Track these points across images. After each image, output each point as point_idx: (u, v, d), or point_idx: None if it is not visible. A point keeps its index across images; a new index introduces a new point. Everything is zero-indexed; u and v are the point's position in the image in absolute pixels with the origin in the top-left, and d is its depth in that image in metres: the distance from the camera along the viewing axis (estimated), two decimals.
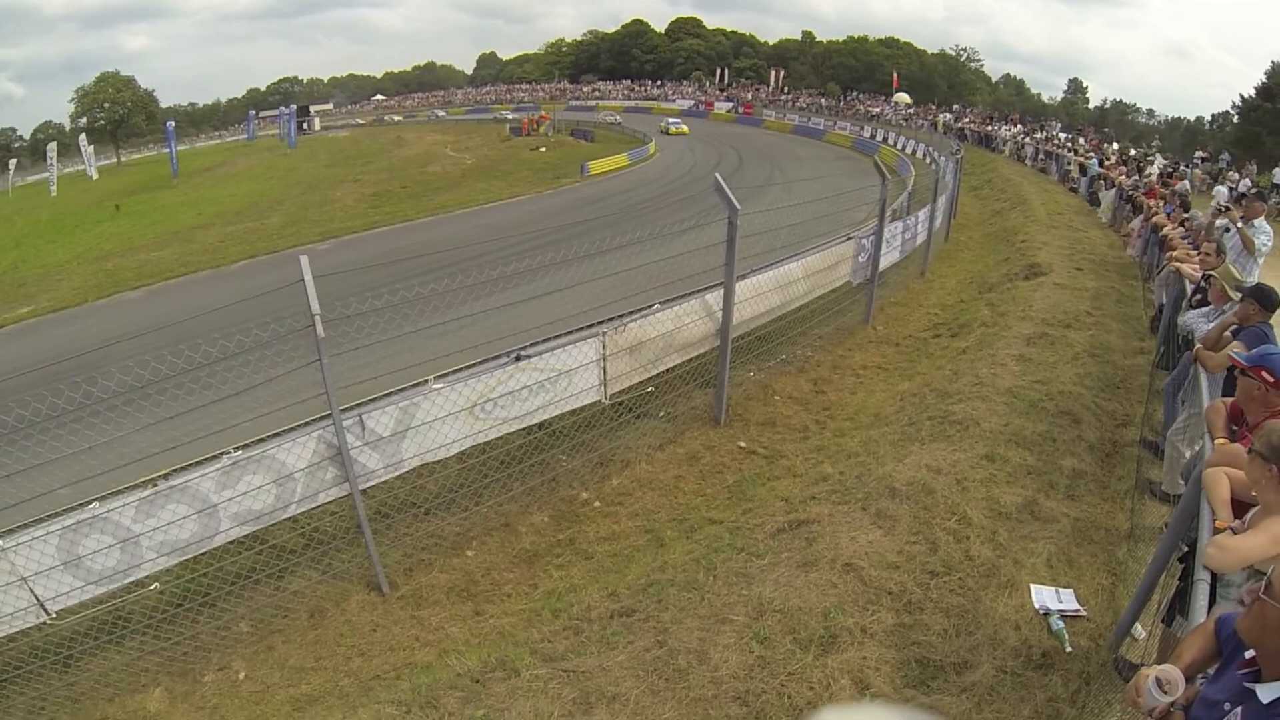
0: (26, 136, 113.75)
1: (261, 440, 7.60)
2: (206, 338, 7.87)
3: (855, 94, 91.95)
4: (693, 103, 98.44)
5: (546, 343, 9.17)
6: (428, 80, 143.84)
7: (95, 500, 7.14)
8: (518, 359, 8.63)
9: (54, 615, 7.32)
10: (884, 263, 14.96)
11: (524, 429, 9.07)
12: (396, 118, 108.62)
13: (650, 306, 10.02)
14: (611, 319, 9.68)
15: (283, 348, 7.32)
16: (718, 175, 9.83)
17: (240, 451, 7.26)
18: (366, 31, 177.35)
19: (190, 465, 7.62)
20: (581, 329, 9.56)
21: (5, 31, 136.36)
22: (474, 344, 9.85)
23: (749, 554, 6.99)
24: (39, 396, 7.02)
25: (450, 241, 24.88)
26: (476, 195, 37.68)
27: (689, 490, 9.26)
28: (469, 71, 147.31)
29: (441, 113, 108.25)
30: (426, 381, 8.27)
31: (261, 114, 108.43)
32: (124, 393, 8.03)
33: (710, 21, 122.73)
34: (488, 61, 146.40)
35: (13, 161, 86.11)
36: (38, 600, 7.21)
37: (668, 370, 10.46)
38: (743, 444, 10.20)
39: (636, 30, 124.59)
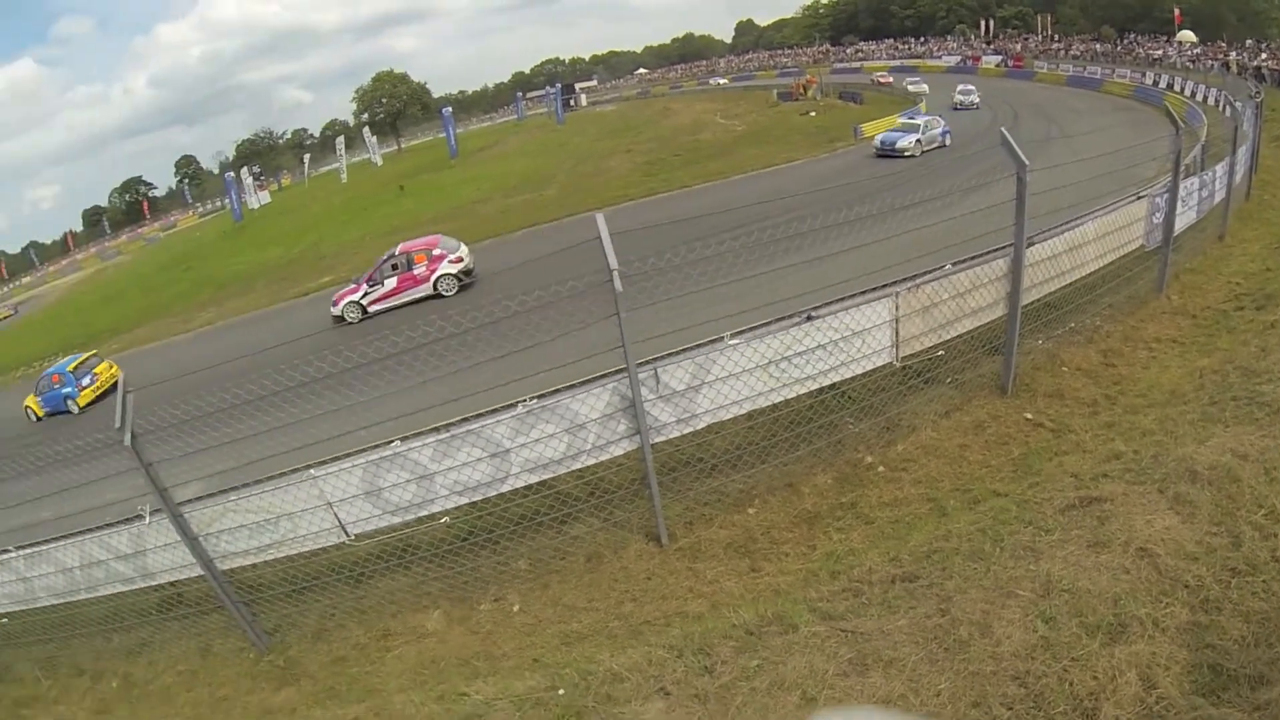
0: (317, 134, 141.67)
1: (556, 390, 8.66)
2: (506, 296, 9.35)
3: (1132, 36, 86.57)
4: (959, 58, 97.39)
5: (839, 302, 9.68)
6: (688, 51, 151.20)
7: (397, 439, 8.77)
8: (809, 318, 9.14)
9: (353, 538, 8.95)
10: (1179, 224, 14.42)
11: (813, 390, 9.60)
12: (663, 89, 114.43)
13: (943, 267, 10.36)
14: (904, 279, 10.09)
15: (580, 304, 8.50)
16: (1003, 130, 9.93)
17: (535, 400, 8.31)
18: (622, 10, 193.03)
19: (487, 412, 9.15)
20: (874, 289, 10.04)
21: (291, 49, 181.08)
22: (764, 303, 10.43)
23: (1037, 528, 7.18)
24: (350, 349, 8.80)
25: (729, 206, 26.36)
26: (751, 160, 39.06)
27: (973, 460, 9.63)
28: (728, 40, 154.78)
29: (723, 80, 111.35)
30: (723, 338, 8.92)
31: (528, 95, 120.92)
32: (428, 344, 9.64)
33: None
34: (745, 29, 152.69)
35: (306, 156, 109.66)
36: (340, 523, 8.87)
37: (956, 335, 10.76)
38: (1029, 415, 10.45)
39: None
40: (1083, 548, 6.72)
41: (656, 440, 8.58)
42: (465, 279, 28.54)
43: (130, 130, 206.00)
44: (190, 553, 8.89)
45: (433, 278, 27.89)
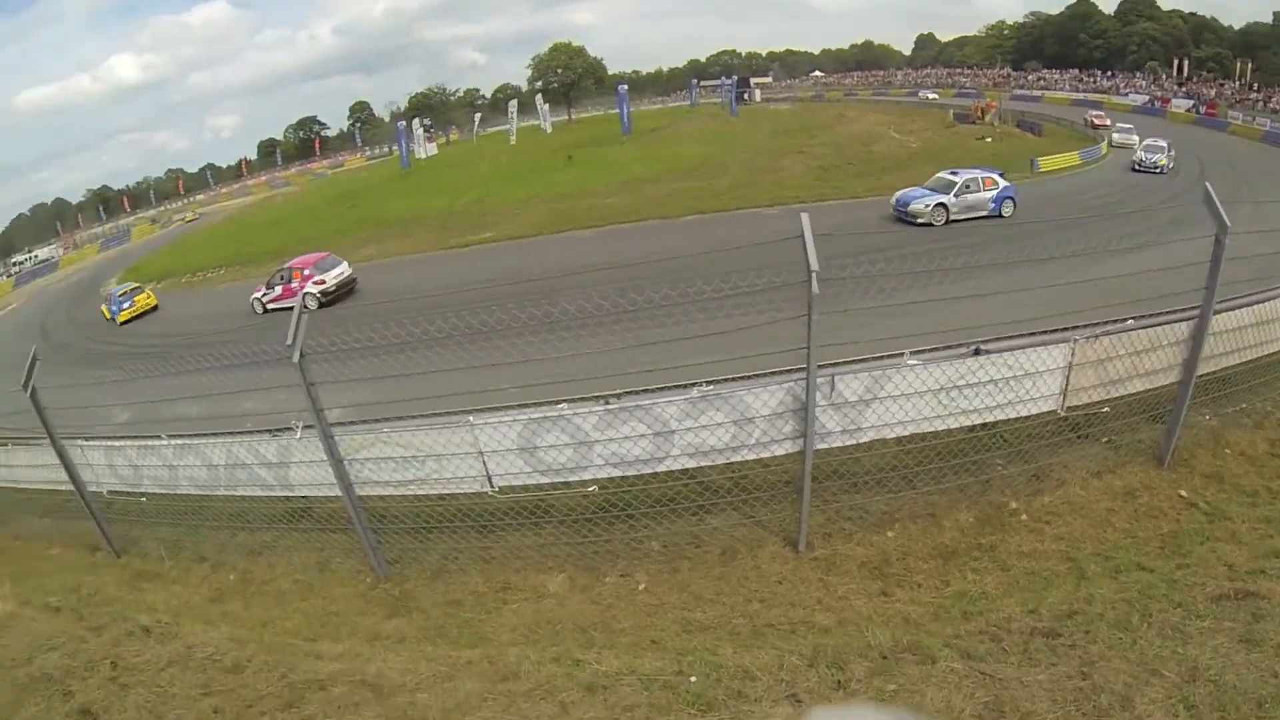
0: (488, 96, 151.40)
1: (732, 380, 8.66)
2: (683, 278, 9.50)
3: None
4: (1146, 98, 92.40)
5: (1010, 339, 9.60)
6: (865, 59, 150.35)
7: (565, 402, 8.98)
8: (977, 352, 9.05)
9: (496, 490, 9.27)
10: None
11: (969, 424, 9.52)
12: (837, 94, 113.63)
13: (1124, 321, 10.14)
14: (1082, 326, 9.90)
15: (770, 298, 8.62)
16: (1207, 186, 9.83)
17: (710, 386, 8.36)
18: (803, 8, 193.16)
19: (659, 389, 9.23)
20: (1048, 331, 9.88)
21: (470, 12, 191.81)
22: (925, 330, 10.56)
23: (1187, 611, 6.99)
24: (501, 308, 9.02)
25: (900, 225, 26.15)
26: (924, 179, 38.53)
27: (1119, 527, 9.37)
28: (906, 52, 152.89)
29: (933, 95, 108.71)
30: (903, 355, 8.92)
31: (702, 83, 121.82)
32: (601, 315, 9.83)
33: (1166, 2, 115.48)
34: (925, 42, 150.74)
35: (478, 115, 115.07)
36: (487, 473, 9.20)
37: (1124, 395, 10.45)
38: (1184, 493, 10.04)
39: (1083, 11, 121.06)
40: (1234, 641, 6.53)
41: (819, 447, 8.55)
42: (325, 298, 33.84)
43: (310, 73, 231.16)
44: (332, 473, 9.18)
45: (300, 294, 31.74)
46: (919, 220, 34.15)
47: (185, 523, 12.30)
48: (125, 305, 41.87)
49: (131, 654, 8.16)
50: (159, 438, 11.46)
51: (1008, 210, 34.50)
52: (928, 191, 35.12)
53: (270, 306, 34.84)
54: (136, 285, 45.40)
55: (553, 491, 9.39)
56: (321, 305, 33.03)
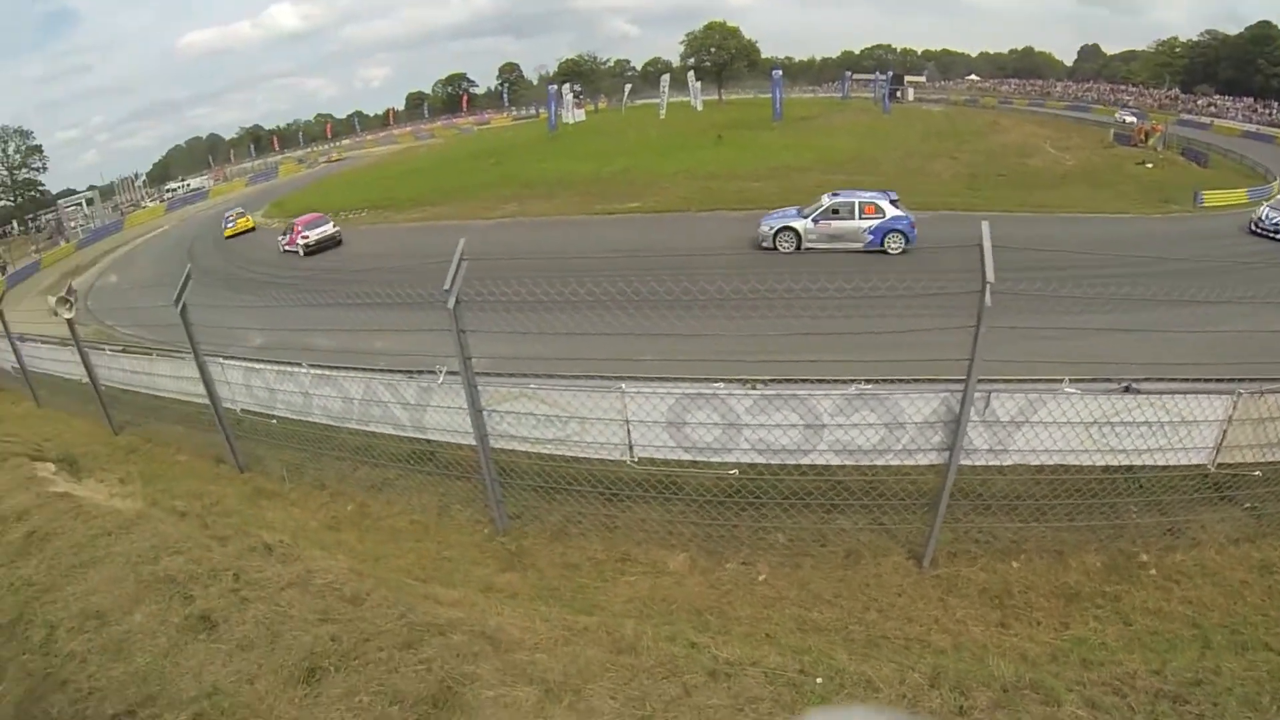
0: (638, 68, 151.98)
1: (890, 382, 8.63)
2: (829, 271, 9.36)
3: None
4: None
5: (1165, 381, 9.27)
6: (1023, 67, 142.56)
7: (721, 381, 8.95)
8: (1127, 389, 8.78)
9: (635, 460, 9.33)
10: None
11: (1110, 464, 9.26)
12: (992, 101, 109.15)
13: None
14: (1248, 379, 9.54)
15: (927, 304, 8.47)
16: None
17: (868, 385, 8.30)
18: (964, 6, 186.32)
19: (817, 382, 9.22)
20: (1209, 380, 9.61)
21: None
22: (1069, 358, 10.35)
23: None
24: (640, 279, 8.97)
25: (1049, 243, 25.47)
26: (1078, 201, 36.94)
27: (1251, 602, 8.89)
28: (1068, 63, 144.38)
29: (1131, 117, 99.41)
30: (1063, 381, 8.72)
31: (855, 76, 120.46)
32: (741, 299, 9.78)
33: None
34: (1089, 54, 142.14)
35: (628, 86, 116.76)
36: (629, 442, 9.23)
37: (1278, 461, 9.98)
38: None
39: (1263, 34, 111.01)
40: None
41: (963, 463, 8.38)
42: (308, 249, 43.50)
43: (462, 32, 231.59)
44: (470, 421, 9.26)
45: (296, 242, 43.78)
46: (762, 245, 30.14)
47: (309, 449, 12.56)
48: (230, 224, 57.60)
49: (253, 569, 8.33)
50: (299, 365, 11.71)
51: (894, 245, 29.15)
52: (788, 215, 30.74)
53: (285, 249, 44.87)
54: (241, 210, 60.58)
55: (689, 469, 9.38)
56: (307, 254, 43.28)
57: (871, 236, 28.85)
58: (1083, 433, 8.63)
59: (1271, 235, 32.91)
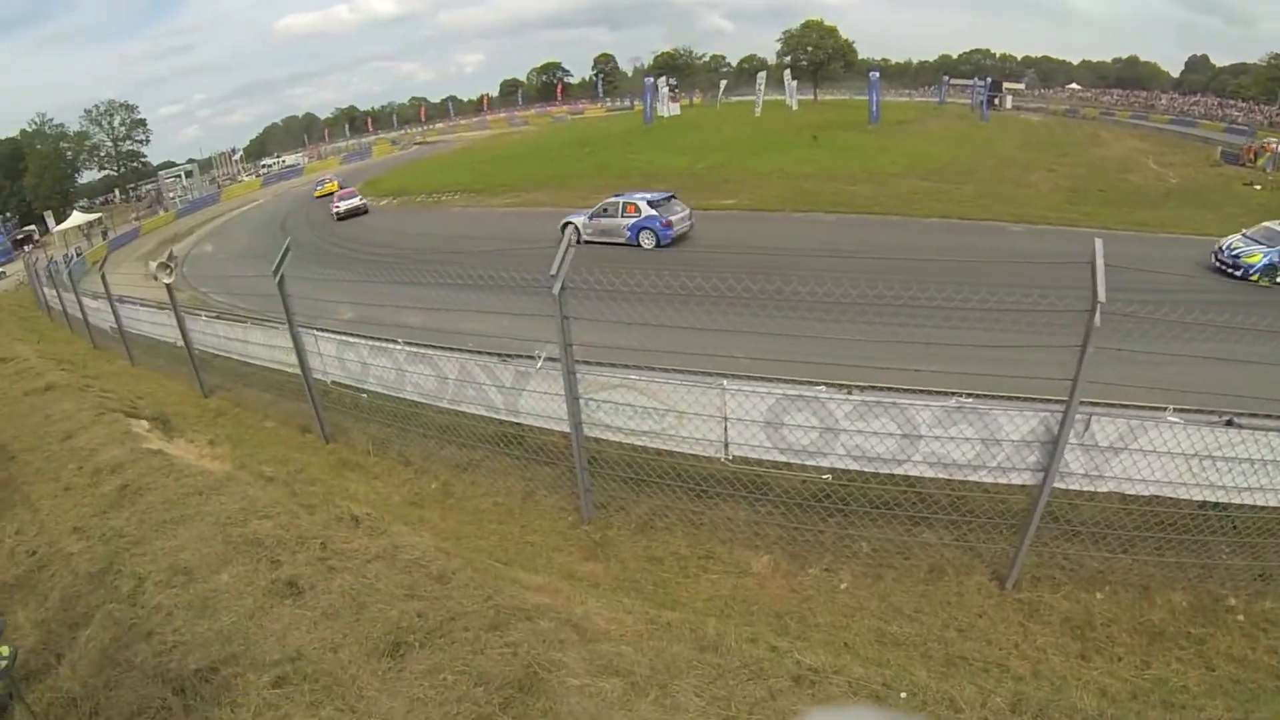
0: (733, 64, 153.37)
1: (990, 397, 8.45)
2: (926, 279, 9.26)
3: None
4: None
5: (1270, 419, 8.91)
6: (1126, 77, 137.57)
7: (822, 385, 8.90)
8: (1229, 423, 8.41)
9: (731, 459, 9.33)
10: None
11: (1203, 500, 8.89)
12: (1093, 112, 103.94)
13: None
14: None
15: (1032, 321, 8.37)
16: None
17: (969, 399, 8.17)
18: (1064, 12, 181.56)
19: (917, 392, 9.13)
20: None
21: None
22: (1163, 385, 10.13)
23: None
24: (735, 275, 8.90)
25: (1148, 264, 24.86)
26: (1181, 221, 35.24)
27: None
28: (1174, 74, 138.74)
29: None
30: (1165, 409, 8.56)
31: (952, 81, 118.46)
32: (835, 303, 9.67)
33: None
34: (1196, 66, 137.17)
35: (722, 82, 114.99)
36: (725, 439, 9.21)
37: None
38: None
39: None
40: None
41: (1056, 486, 8.21)
42: (342, 215, 54.30)
43: (557, 21, 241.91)
44: (565, 407, 9.36)
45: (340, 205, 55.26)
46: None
47: (395, 425, 12.82)
48: (319, 187, 70.75)
49: (340, 539, 8.47)
50: (395, 342, 11.81)
51: (646, 242, 32.25)
52: (581, 212, 34.32)
53: (334, 209, 55.33)
54: (331, 177, 74.15)
55: (780, 471, 9.36)
56: (339, 219, 53.61)
57: (629, 233, 32.24)
58: (1182, 464, 8.33)
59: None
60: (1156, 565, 8.81)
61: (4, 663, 5.97)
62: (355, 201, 55.76)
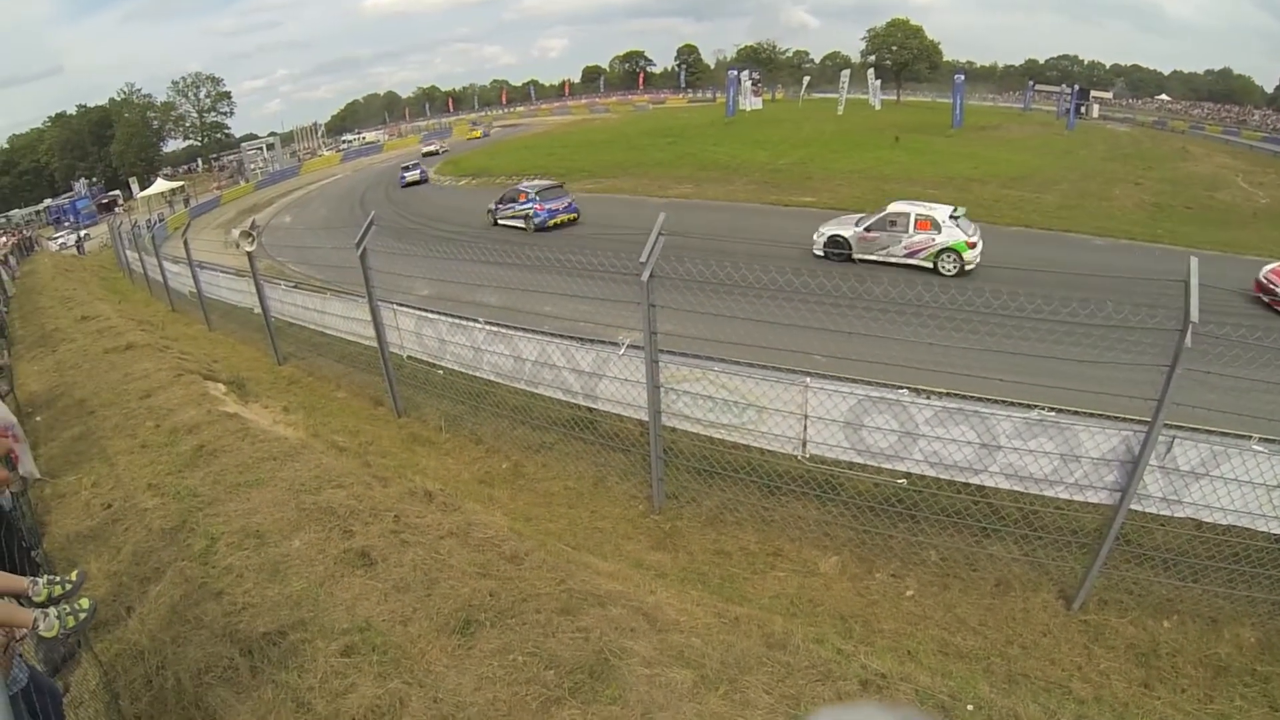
0: (816, 60, 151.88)
1: (1073, 413, 8.32)
2: (1009, 289, 9.13)
3: None
4: None
5: None
6: (1218, 89, 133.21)
7: (906, 388, 8.87)
8: None
9: (808, 456, 9.32)
10: None
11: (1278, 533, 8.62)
12: (1182, 125, 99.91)
13: None
14: None
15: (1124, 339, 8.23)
16: None
17: (1051, 413, 8.09)
18: (1159, 19, 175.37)
19: (998, 402, 9.06)
20: None
21: None
22: (1244, 413, 9.91)
23: None
24: (811, 273, 8.81)
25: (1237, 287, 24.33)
26: (1270, 243, 34.93)
27: None
28: (1268, 89, 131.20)
29: None
30: (1250, 438, 8.23)
31: (1038, 87, 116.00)
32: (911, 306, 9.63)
33: None
34: None
35: (806, 78, 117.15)
36: (804, 437, 9.21)
37: None
38: None
39: None
40: None
41: (1132, 508, 8.11)
42: (406, 183, 65.03)
43: (642, 10, 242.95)
44: (645, 396, 9.39)
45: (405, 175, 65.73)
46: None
47: (469, 403, 12.95)
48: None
49: (414, 513, 8.58)
50: (475, 320, 11.89)
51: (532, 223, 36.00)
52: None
53: (405, 182, 65.28)
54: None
55: (854, 472, 9.35)
56: (403, 187, 64.11)
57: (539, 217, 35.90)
58: (1263, 495, 8.11)
59: None
60: (1227, 598, 8.61)
61: (83, 615, 6.08)
62: (417, 174, 66.82)
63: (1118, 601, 8.53)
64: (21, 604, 5.92)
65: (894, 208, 26.12)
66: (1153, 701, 7.42)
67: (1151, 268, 23.47)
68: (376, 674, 5.97)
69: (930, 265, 24.76)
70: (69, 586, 6.37)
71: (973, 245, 24.42)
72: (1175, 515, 8.31)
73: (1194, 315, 6.92)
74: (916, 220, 25.10)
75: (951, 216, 24.88)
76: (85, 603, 6.07)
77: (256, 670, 6.09)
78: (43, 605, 6.06)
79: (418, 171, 66.97)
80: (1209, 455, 7.92)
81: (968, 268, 24.24)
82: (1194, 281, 6.99)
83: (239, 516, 8.51)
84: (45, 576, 6.44)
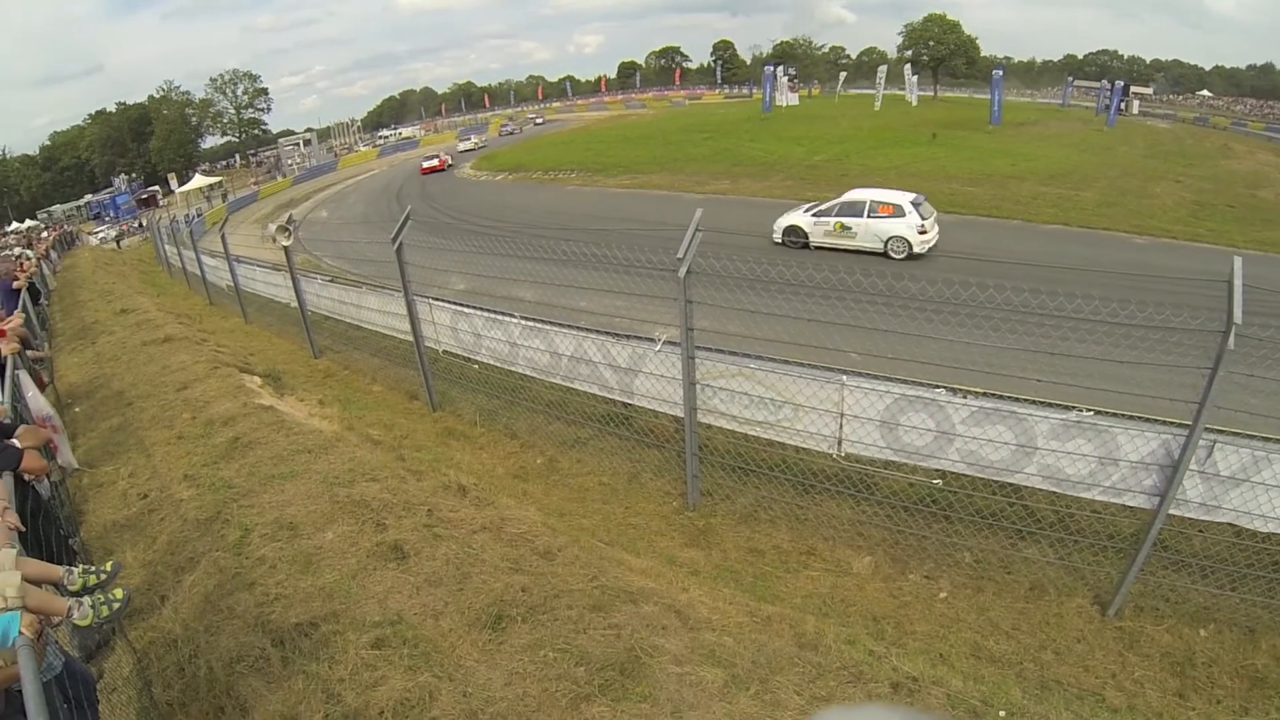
0: (852, 55, 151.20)
1: (1111, 415, 8.17)
2: (1049, 287, 9.04)
3: None
4: None
5: None
6: (1261, 85, 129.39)
7: (943, 387, 8.77)
8: None
9: (843, 455, 9.27)
10: None
11: None
12: (1224, 121, 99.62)
13: None
14: None
15: (1161, 340, 8.10)
16: None
17: (1090, 414, 7.96)
18: (1196, 14, 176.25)
19: (1031, 402, 8.94)
20: None
21: None
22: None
23: None
24: (849, 270, 8.80)
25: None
26: None
27: None
28: None
29: None
30: None
31: (1077, 82, 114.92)
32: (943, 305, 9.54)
33: None
34: None
35: (842, 74, 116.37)
36: (839, 435, 9.15)
37: None
38: None
39: None
40: None
41: (1171, 513, 7.95)
42: (425, 170, 73.19)
43: (677, 6, 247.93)
44: (682, 393, 9.42)
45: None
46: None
47: (503, 398, 13.00)
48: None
49: (447, 507, 8.60)
50: (511, 315, 11.92)
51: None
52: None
53: (423, 170, 73.28)
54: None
55: (889, 471, 9.33)
56: (423, 174, 71.43)
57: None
58: None
59: None
60: (1265, 607, 8.46)
61: (117, 604, 6.14)
62: (435, 162, 74.47)
63: (1154, 608, 8.42)
64: (58, 592, 5.98)
65: (850, 195, 27.73)
66: (1187, 712, 7.34)
67: (1191, 266, 23.26)
68: (407, 667, 5.99)
69: (881, 250, 26.25)
70: (104, 576, 6.45)
71: (924, 232, 25.71)
72: (1214, 521, 8.15)
73: (1237, 317, 6.76)
74: (878, 206, 26.50)
75: (913, 203, 26.20)
76: (119, 593, 6.14)
77: (287, 660, 6.15)
78: (78, 594, 6.12)
79: (435, 159, 74.63)
80: (1250, 460, 7.73)
81: (915, 251, 25.72)
82: (1238, 282, 6.83)
83: (273, 508, 8.58)
84: (80, 566, 6.54)
